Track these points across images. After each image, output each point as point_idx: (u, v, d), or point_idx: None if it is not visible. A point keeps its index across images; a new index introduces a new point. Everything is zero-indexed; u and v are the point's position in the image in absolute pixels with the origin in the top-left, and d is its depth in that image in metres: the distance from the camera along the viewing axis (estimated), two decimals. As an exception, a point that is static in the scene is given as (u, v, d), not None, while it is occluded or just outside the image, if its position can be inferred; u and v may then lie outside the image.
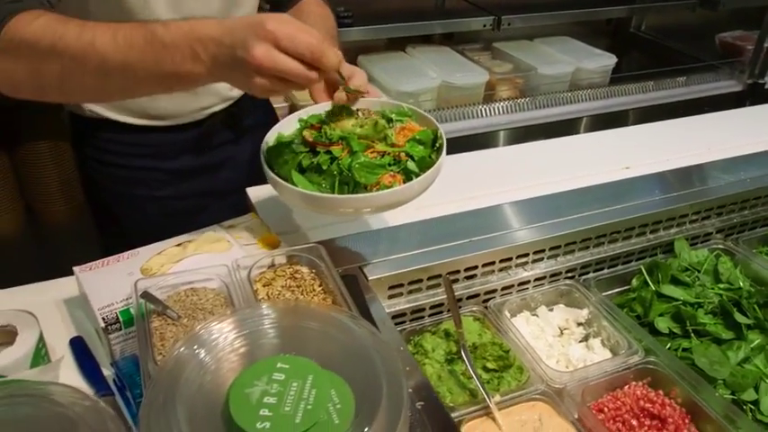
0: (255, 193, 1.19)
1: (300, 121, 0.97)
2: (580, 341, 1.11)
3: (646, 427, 0.95)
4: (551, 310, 1.15)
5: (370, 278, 1.00)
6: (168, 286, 0.84)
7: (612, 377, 1.01)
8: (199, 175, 1.28)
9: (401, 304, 1.05)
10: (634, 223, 1.23)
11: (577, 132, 2.48)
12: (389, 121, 0.96)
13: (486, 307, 1.11)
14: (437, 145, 0.94)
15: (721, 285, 1.20)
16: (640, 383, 1.01)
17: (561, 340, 1.11)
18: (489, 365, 1.01)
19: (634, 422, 0.95)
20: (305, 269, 0.89)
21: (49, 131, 2.18)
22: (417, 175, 0.88)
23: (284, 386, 0.56)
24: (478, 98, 2.39)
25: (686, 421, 0.96)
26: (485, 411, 0.92)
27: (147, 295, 0.80)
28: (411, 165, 0.90)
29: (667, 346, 1.08)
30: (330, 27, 1.26)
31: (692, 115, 1.76)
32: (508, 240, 1.12)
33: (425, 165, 0.90)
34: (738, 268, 1.23)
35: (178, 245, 0.94)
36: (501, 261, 1.12)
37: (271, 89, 0.81)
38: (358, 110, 0.97)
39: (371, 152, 0.90)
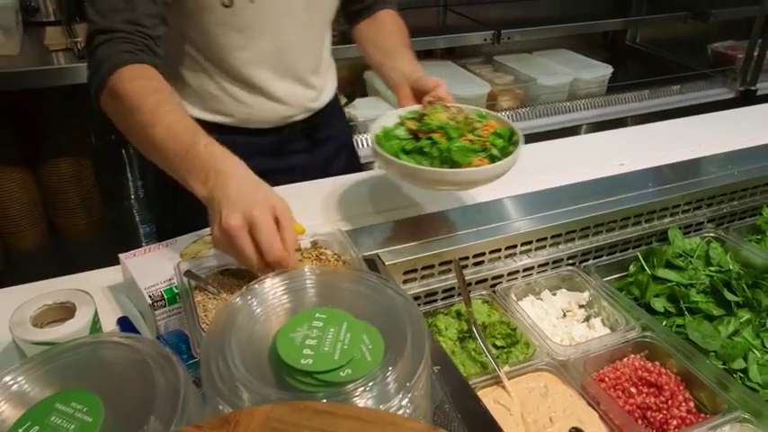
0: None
1: (400, 117, 1.22)
2: (582, 321, 1.20)
3: (644, 394, 1.04)
4: (554, 294, 1.25)
5: (386, 263, 1.10)
6: (206, 268, 0.94)
7: (612, 350, 1.10)
8: (271, 178, 1.38)
9: (415, 288, 1.15)
10: (629, 213, 1.32)
11: (577, 140, 2.58)
12: (479, 119, 1.20)
13: (494, 291, 1.20)
14: (513, 139, 1.17)
15: (712, 268, 1.29)
16: (638, 356, 1.10)
17: (564, 321, 1.20)
18: (498, 343, 1.10)
19: (633, 389, 1.04)
20: (328, 252, 0.99)
21: (70, 149, 2.29)
22: (500, 160, 1.11)
23: (323, 332, 0.66)
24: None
25: (681, 388, 1.05)
26: (495, 380, 1.01)
27: (189, 273, 0.90)
28: (495, 151, 1.13)
29: (663, 324, 1.17)
30: (404, 39, 1.40)
31: (687, 122, 1.86)
32: (512, 229, 1.22)
33: (506, 153, 1.13)
34: (729, 254, 1.33)
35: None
36: (506, 248, 1.22)
37: (220, 247, 0.88)
38: (450, 107, 1.20)
39: (464, 139, 1.13)
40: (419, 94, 1.24)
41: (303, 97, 1.38)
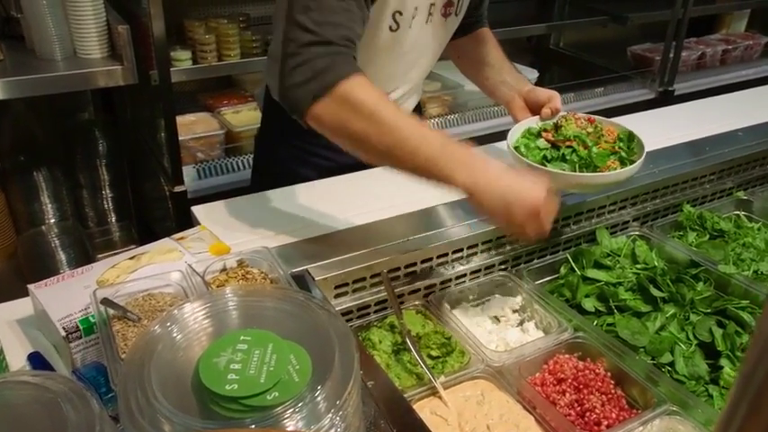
0: (201, 210, 1.28)
1: (527, 129, 1.40)
2: (516, 326, 1.23)
3: (578, 395, 1.07)
4: (488, 300, 1.27)
5: (316, 278, 1.09)
6: (125, 294, 0.91)
7: (546, 353, 1.13)
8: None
9: (347, 302, 1.15)
10: (557, 216, 1.36)
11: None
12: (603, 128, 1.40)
13: (427, 301, 1.22)
14: (632, 139, 1.38)
15: (638, 266, 1.35)
16: (571, 356, 1.14)
17: (499, 327, 1.23)
18: (433, 353, 1.11)
19: (567, 391, 1.07)
20: (255, 270, 0.98)
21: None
22: (631, 162, 1.30)
23: (248, 354, 0.65)
24: (409, 116, 2.54)
25: (613, 385, 1.09)
26: (431, 391, 1.02)
27: (106, 301, 0.87)
28: (624, 154, 1.33)
29: (594, 323, 1.21)
30: (504, 54, 1.55)
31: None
32: (444, 237, 1.24)
33: (632, 155, 1.34)
34: (654, 251, 1.39)
35: (131, 258, 1.01)
36: (438, 257, 1.24)
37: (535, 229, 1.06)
38: (578, 117, 1.41)
39: (599, 147, 1.33)
40: (533, 107, 1.41)
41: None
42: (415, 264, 1.21)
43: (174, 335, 0.67)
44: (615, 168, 1.29)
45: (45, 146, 2.39)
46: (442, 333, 1.13)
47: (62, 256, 2.34)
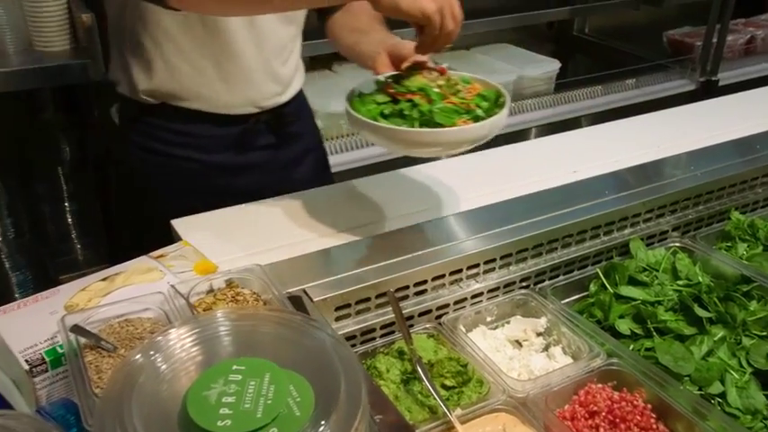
0: (182, 224, 1.30)
1: (378, 81, 1.31)
2: (541, 351, 1.25)
3: (614, 429, 1.08)
4: (508, 321, 1.29)
5: (315, 299, 1.11)
6: (99, 320, 0.93)
7: (576, 382, 1.14)
8: (235, 173, 1.55)
9: (350, 326, 1.16)
10: (585, 226, 1.39)
11: (526, 145, 2.68)
12: (464, 83, 1.30)
13: (439, 323, 1.23)
14: (499, 101, 1.28)
15: (680, 282, 1.36)
16: (605, 386, 1.15)
17: (521, 352, 1.24)
18: (447, 383, 1.13)
19: (602, 425, 1.09)
20: (246, 291, 0.99)
21: None
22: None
23: (242, 386, 0.66)
24: (415, 114, 2.56)
25: (654, 419, 1.10)
26: (446, 427, 1.04)
27: (77, 329, 0.89)
28: (480, 112, 1.23)
29: (630, 348, 1.22)
30: (379, 17, 1.52)
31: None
32: (456, 251, 1.26)
33: (491, 115, 1.24)
34: (698, 265, 1.41)
35: (104, 279, 1.02)
36: (451, 274, 1.25)
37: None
38: (432, 69, 1.29)
39: (447, 101, 1.22)
40: (397, 62, 1.34)
41: (269, 89, 1.52)
42: (425, 281, 1.23)
43: (159, 364, 0.68)
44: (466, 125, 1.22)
45: (-2, 152, 2.41)
46: (456, 360, 1.14)
47: (18, 279, 2.35)
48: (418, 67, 1.29)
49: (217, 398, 0.65)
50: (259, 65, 1.47)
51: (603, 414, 1.10)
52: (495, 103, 1.28)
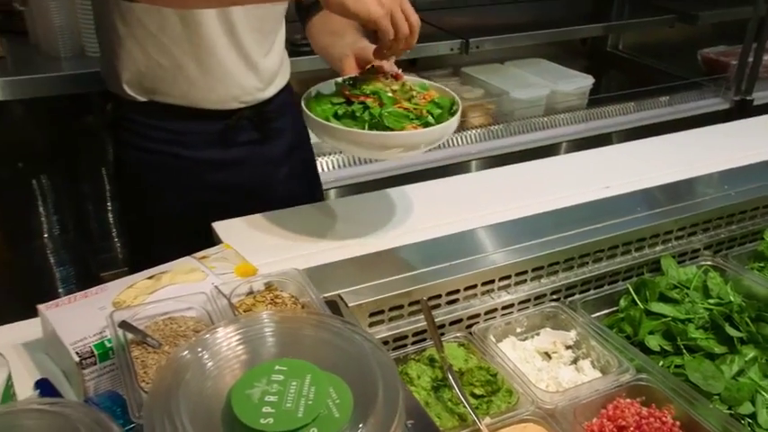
0: (223, 227, 1.33)
1: (336, 83, 1.33)
2: (569, 364, 1.25)
3: (641, 444, 1.08)
4: (538, 333, 1.29)
5: (350, 305, 1.13)
6: (145, 317, 0.95)
7: (604, 396, 1.14)
8: (220, 168, 1.56)
9: (383, 332, 1.18)
10: (617, 241, 1.39)
11: (557, 159, 2.67)
12: (420, 89, 1.32)
13: (470, 333, 1.24)
14: (453, 110, 1.29)
15: (711, 300, 1.36)
16: (634, 401, 1.15)
17: (550, 364, 1.25)
18: (477, 391, 1.13)
19: (629, 439, 1.09)
20: (285, 294, 1.01)
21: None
22: None
23: (284, 386, 0.68)
24: (449, 126, 2.57)
25: (682, 436, 1.10)
26: (476, 434, 1.04)
27: (125, 325, 0.91)
28: (431, 119, 1.24)
29: (660, 364, 1.22)
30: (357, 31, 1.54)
31: (678, 137, 1.96)
32: (489, 263, 1.27)
33: (442, 121, 1.25)
34: (729, 284, 1.40)
35: (150, 277, 1.05)
36: (483, 284, 1.26)
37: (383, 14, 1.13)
38: (388, 75, 1.32)
39: (398, 106, 1.25)
40: (364, 65, 1.36)
41: (249, 82, 1.51)
42: (457, 291, 1.24)
43: (205, 362, 0.70)
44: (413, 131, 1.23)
45: (46, 152, 2.47)
46: (486, 369, 1.15)
47: (61, 274, 2.40)
48: (376, 72, 1.32)
49: (260, 396, 0.67)
50: (237, 58, 1.47)
51: (632, 429, 1.09)
52: (449, 111, 1.29)
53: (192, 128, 1.50)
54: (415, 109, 1.25)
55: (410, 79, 1.34)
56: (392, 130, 1.20)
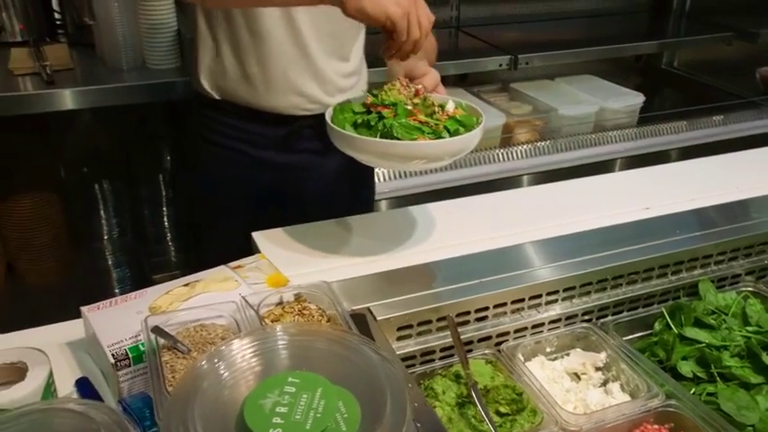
0: (262, 237, 1.35)
1: (366, 93, 1.35)
2: (599, 386, 1.23)
3: (667, 472, 1.05)
4: (567, 354, 1.27)
5: (378, 318, 1.13)
6: (177, 323, 0.98)
7: (631, 421, 1.12)
8: (276, 171, 1.62)
9: (410, 346, 1.18)
10: (653, 264, 1.35)
11: (605, 177, 2.63)
12: (442, 107, 1.29)
13: (498, 350, 1.23)
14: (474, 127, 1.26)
15: (750, 328, 1.31)
16: (662, 427, 1.12)
17: (578, 386, 1.23)
18: (502, 410, 1.12)
19: (654, 466, 1.06)
20: (313, 306, 1.03)
21: (36, 183, 2.36)
22: None
23: (295, 398, 0.69)
24: (495, 142, 2.56)
25: (710, 466, 1.06)
26: (497, 453, 1.04)
27: (157, 330, 0.94)
28: (445, 134, 1.22)
29: (691, 391, 1.18)
30: (427, 55, 1.53)
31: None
32: (519, 281, 1.26)
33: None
34: (770, 312, 1.35)
35: (185, 284, 1.08)
36: (513, 302, 1.25)
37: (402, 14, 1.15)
38: (411, 86, 1.31)
39: (413, 119, 1.23)
40: (411, 79, 1.36)
41: (314, 91, 1.55)
42: (486, 308, 1.23)
43: (221, 372, 0.72)
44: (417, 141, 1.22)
45: (108, 158, 2.57)
46: (512, 388, 1.14)
47: (118, 275, 2.48)
48: (400, 82, 1.32)
49: (271, 407, 0.69)
50: (303, 69, 1.51)
51: (657, 456, 1.07)
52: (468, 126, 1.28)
53: (257, 129, 1.57)
54: (435, 125, 1.24)
55: (439, 96, 1.34)
56: (402, 140, 1.20)
